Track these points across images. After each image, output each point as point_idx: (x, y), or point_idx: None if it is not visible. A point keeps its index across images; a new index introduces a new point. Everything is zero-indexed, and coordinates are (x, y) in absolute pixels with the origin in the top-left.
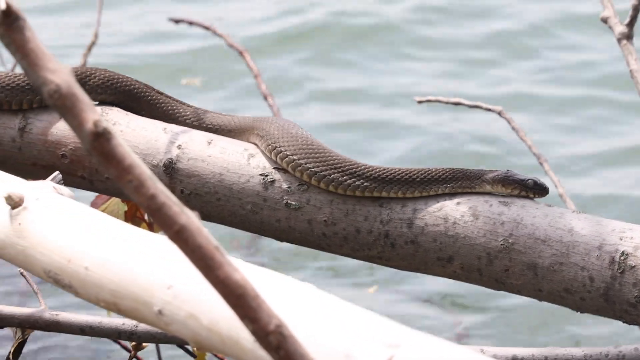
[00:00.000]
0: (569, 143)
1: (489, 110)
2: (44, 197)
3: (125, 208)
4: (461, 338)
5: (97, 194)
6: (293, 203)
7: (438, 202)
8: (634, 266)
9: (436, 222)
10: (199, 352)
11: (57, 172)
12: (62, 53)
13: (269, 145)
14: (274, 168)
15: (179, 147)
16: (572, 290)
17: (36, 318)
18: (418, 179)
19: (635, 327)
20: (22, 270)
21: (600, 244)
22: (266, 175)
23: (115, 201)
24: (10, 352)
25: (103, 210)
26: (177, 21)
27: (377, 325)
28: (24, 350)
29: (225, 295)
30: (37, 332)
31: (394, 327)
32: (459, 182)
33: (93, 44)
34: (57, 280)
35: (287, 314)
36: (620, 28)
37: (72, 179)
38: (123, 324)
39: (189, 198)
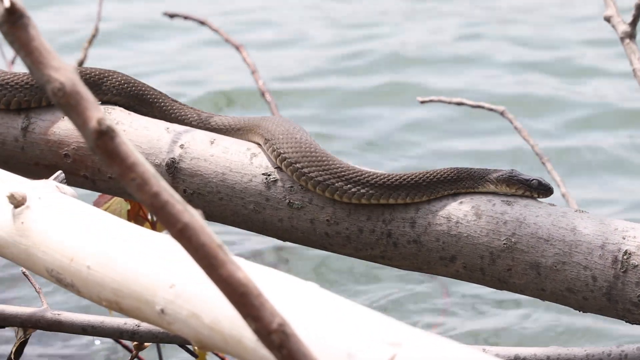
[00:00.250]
0: None
1: (492, 110)
2: (47, 196)
3: (128, 207)
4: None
5: (99, 193)
6: (296, 202)
7: (441, 201)
8: (637, 265)
9: (439, 222)
10: (201, 351)
11: (59, 172)
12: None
13: (274, 151)
14: (276, 167)
15: (181, 146)
16: (574, 289)
17: (38, 317)
18: (424, 183)
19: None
20: (24, 270)
21: (603, 243)
22: (269, 175)
23: (117, 201)
24: (11, 352)
25: (105, 210)
26: (172, 16)
27: (379, 324)
28: (25, 350)
29: (227, 294)
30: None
31: (396, 325)
32: (464, 182)
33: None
34: (59, 279)
35: (290, 312)
36: (623, 27)
37: (74, 179)
38: (125, 323)
39: (192, 198)
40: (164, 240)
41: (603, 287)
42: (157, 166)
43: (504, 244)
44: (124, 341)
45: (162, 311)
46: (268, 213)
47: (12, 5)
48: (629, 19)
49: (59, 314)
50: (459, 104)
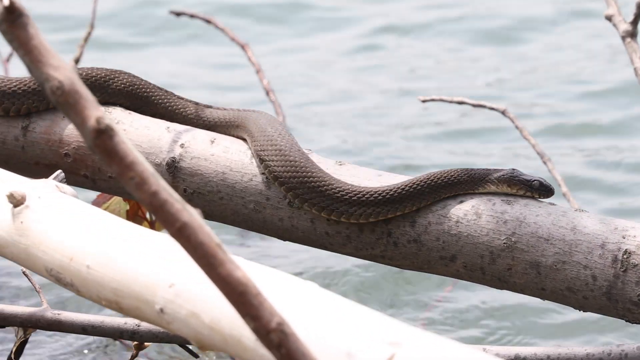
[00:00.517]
0: None
1: (493, 109)
2: (46, 195)
3: (127, 207)
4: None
5: (99, 192)
6: (296, 202)
7: (441, 201)
8: (637, 264)
9: (439, 221)
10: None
11: (59, 171)
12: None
13: (262, 162)
14: (262, 174)
15: (182, 146)
16: (574, 289)
17: (38, 317)
18: (427, 189)
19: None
20: (24, 269)
21: (603, 243)
22: None
23: (116, 200)
24: (12, 352)
25: (104, 210)
26: (178, 14)
27: (379, 324)
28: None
29: (226, 293)
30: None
31: (396, 325)
32: (465, 184)
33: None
34: (58, 279)
35: (290, 312)
36: (625, 26)
37: (74, 178)
38: (125, 323)
39: (192, 197)
40: (164, 240)
41: (603, 286)
42: (157, 165)
43: (504, 243)
44: (124, 340)
45: (162, 310)
46: (268, 212)
47: (12, 4)
48: (632, 17)
49: (58, 314)
50: (461, 103)
